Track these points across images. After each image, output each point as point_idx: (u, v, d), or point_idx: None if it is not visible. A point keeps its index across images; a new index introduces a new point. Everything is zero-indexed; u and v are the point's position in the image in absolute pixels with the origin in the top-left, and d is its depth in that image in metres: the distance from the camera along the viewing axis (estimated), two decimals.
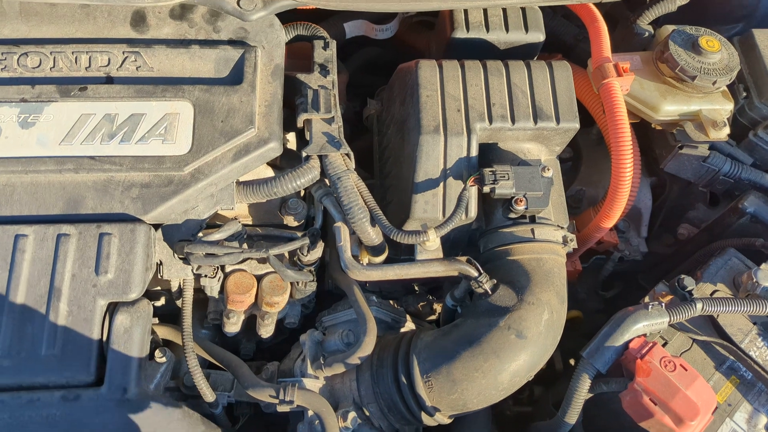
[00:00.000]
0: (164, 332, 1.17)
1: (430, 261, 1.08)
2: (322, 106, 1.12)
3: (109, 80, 1.10)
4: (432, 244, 1.08)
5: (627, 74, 1.24)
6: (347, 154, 1.11)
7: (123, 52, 1.11)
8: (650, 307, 1.08)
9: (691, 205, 1.52)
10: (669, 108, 1.32)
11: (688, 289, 1.12)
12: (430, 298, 1.33)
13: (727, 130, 1.30)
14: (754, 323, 1.17)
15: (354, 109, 1.68)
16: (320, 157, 1.10)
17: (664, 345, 1.12)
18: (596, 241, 1.43)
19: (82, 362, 0.92)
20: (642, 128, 1.46)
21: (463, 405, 1.01)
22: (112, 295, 0.96)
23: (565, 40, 1.67)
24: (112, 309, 0.96)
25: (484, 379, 0.99)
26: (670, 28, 1.38)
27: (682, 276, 1.13)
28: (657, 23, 1.50)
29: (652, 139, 1.47)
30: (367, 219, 1.09)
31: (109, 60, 1.11)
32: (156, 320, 1.19)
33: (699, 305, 1.09)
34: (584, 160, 1.68)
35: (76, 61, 1.10)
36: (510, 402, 1.50)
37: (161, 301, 1.26)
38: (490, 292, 1.05)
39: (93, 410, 0.90)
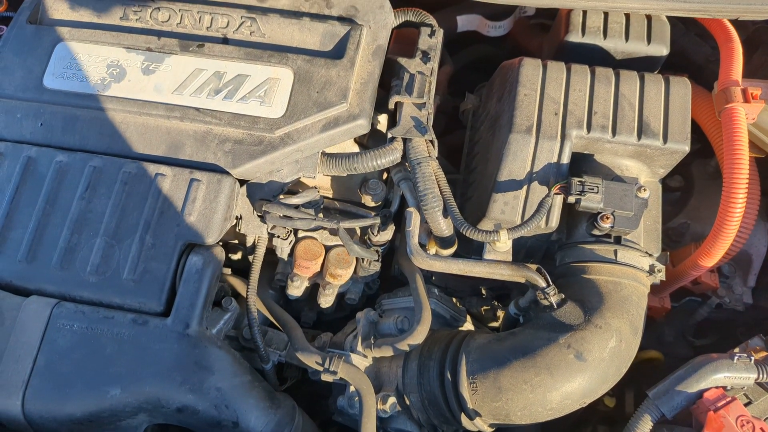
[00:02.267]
0: (236, 284, 1.23)
1: (497, 262, 1.04)
2: (415, 91, 1.12)
3: (224, 41, 1.18)
4: (502, 245, 1.04)
5: (756, 101, 1.12)
6: (431, 141, 1.10)
7: (241, 17, 1.18)
8: (736, 358, 0.96)
9: None
10: None
11: None
12: (495, 303, 1.29)
13: None
14: None
15: (453, 104, 1.66)
16: (404, 141, 1.11)
17: (747, 404, 1.00)
18: (691, 280, 1.30)
19: (155, 292, 1.00)
20: (765, 165, 1.31)
21: (505, 415, 0.97)
22: (192, 236, 1.03)
23: (695, 59, 1.54)
24: (189, 249, 1.03)
25: (531, 394, 0.94)
26: None
27: None
28: None
29: None
30: (440, 208, 1.07)
31: (228, 22, 1.18)
32: (229, 271, 1.27)
33: None
34: (695, 192, 1.54)
35: (200, 20, 1.19)
36: None
37: (238, 255, 1.33)
38: (555, 306, 1.00)
39: (156, 337, 0.97)
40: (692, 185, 1.54)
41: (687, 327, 1.50)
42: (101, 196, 1.05)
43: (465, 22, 1.62)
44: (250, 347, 1.15)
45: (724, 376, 0.96)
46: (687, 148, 1.09)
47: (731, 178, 1.07)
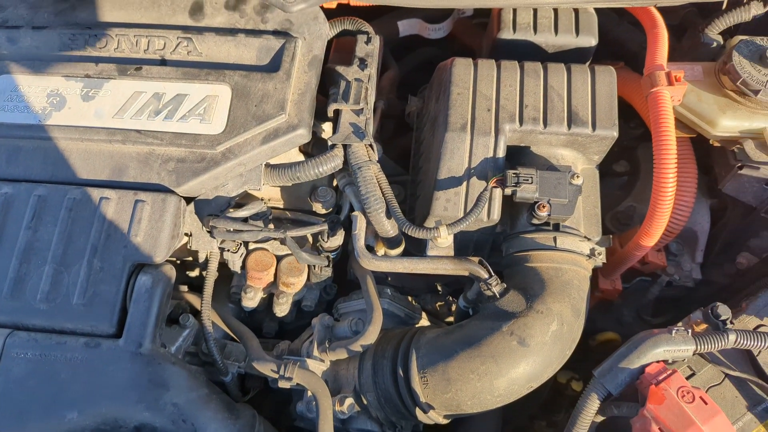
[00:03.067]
0: (194, 300, 1.25)
1: (440, 258, 1.07)
2: (351, 98, 1.15)
3: (162, 62, 1.20)
4: (443, 241, 1.07)
5: (679, 83, 1.16)
6: (371, 145, 1.13)
7: (177, 38, 1.20)
8: (674, 332, 1.00)
9: (754, 233, 1.39)
10: (728, 123, 1.22)
11: (721, 318, 1.03)
12: (450, 299, 1.32)
13: None
14: None
15: (401, 107, 1.70)
16: (345, 146, 1.13)
17: (690, 376, 1.04)
18: (638, 260, 1.35)
19: (105, 314, 1.01)
20: (703, 145, 1.36)
21: (456, 406, 0.99)
22: (139, 256, 1.04)
23: (630, 47, 1.59)
24: (138, 270, 1.05)
25: (479, 382, 0.97)
26: (740, 38, 1.28)
27: (717, 304, 1.04)
28: (730, 34, 1.39)
29: (713, 158, 1.37)
30: (383, 210, 1.10)
31: (164, 44, 1.20)
32: (186, 288, 1.28)
33: (732, 337, 1.00)
34: (641, 175, 1.59)
35: (136, 44, 1.21)
36: (543, 423, 1.46)
37: (195, 272, 1.34)
38: (498, 296, 1.03)
39: (109, 358, 0.98)
40: (638, 169, 1.59)
41: (642, 307, 1.54)
42: (47, 224, 1.06)
43: (406, 26, 1.66)
44: (210, 361, 1.17)
45: (663, 350, 0.99)
46: (615, 134, 1.13)
47: (660, 159, 1.12)
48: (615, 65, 1.48)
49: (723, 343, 1.00)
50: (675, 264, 1.45)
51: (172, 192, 1.10)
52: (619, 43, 1.60)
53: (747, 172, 1.24)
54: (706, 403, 0.94)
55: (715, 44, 1.36)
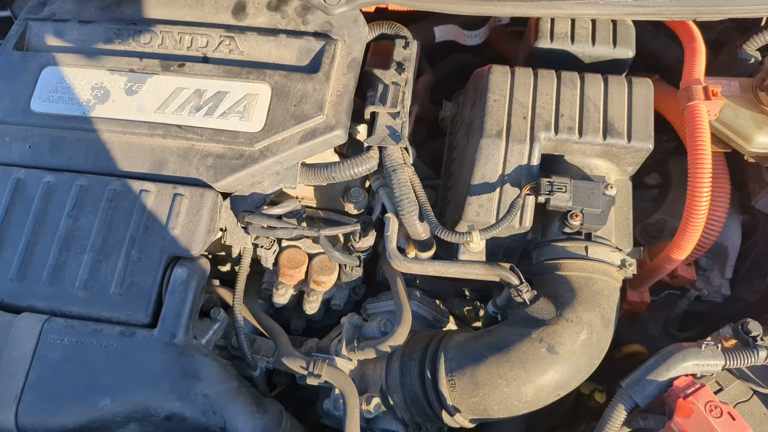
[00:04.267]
0: (225, 294, 1.27)
1: (471, 262, 1.08)
2: (389, 101, 1.17)
3: (204, 59, 1.22)
4: (475, 246, 1.08)
5: (716, 98, 1.16)
6: (406, 149, 1.14)
7: (220, 36, 1.23)
8: (704, 346, 1.00)
9: None
10: (764, 140, 1.22)
11: (752, 334, 1.02)
12: (478, 304, 1.32)
13: None
14: None
15: (435, 112, 1.71)
16: (380, 149, 1.15)
17: (718, 391, 1.03)
18: (667, 273, 1.34)
19: (141, 304, 1.03)
20: (737, 160, 1.35)
21: (483, 410, 1.00)
22: (176, 249, 1.06)
23: (666, 60, 1.59)
24: (174, 262, 1.07)
25: (506, 387, 0.97)
26: None
27: (748, 320, 1.03)
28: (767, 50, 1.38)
29: (747, 174, 1.35)
30: (416, 213, 1.11)
31: (207, 42, 1.23)
32: (218, 282, 1.30)
33: (763, 354, 0.99)
34: (673, 188, 1.58)
35: (180, 41, 1.23)
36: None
37: (227, 267, 1.36)
38: (528, 303, 1.03)
39: (143, 348, 1.00)
40: (669, 182, 1.58)
41: (669, 321, 1.53)
42: (88, 213, 1.09)
43: (442, 32, 1.67)
44: (239, 355, 1.18)
45: (693, 363, 0.99)
46: (650, 146, 1.13)
47: (695, 173, 1.11)
48: (650, 77, 1.49)
49: (753, 359, 0.99)
50: (704, 279, 1.44)
51: (210, 187, 1.12)
52: (656, 56, 1.60)
53: None
54: (734, 419, 0.93)
55: (752, 60, 1.36)
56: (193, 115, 1.15)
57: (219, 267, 1.36)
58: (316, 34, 1.24)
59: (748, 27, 1.44)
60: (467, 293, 1.36)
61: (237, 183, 1.14)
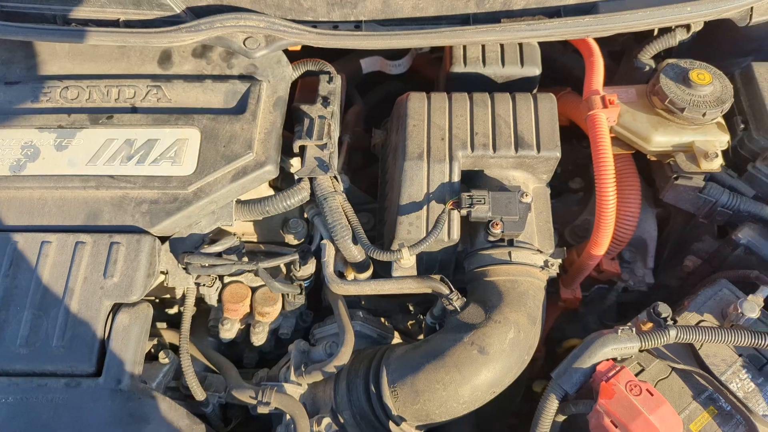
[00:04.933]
0: (173, 337, 1.29)
1: (404, 278, 1.14)
2: (315, 134, 1.23)
3: (133, 110, 1.26)
4: (406, 262, 1.15)
5: (613, 106, 1.28)
6: (335, 177, 1.21)
7: (147, 86, 1.27)
8: (620, 331, 1.09)
9: (696, 237, 1.50)
10: (660, 139, 1.34)
11: (662, 316, 1.12)
12: (421, 317, 1.38)
13: (719, 161, 1.30)
14: (740, 355, 1.14)
15: (368, 140, 1.79)
16: (311, 180, 1.21)
17: (640, 372, 1.12)
18: (593, 269, 1.44)
19: (85, 354, 1.05)
20: (646, 160, 1.48)
21: (426, 416, 1.05)
22: (116, 296, 1.09)
23: (575, 73, 1.72)
24: (116, 309, 1.09)
25: (444, 392, 1.03)
26: (667, 62, 1.41)
27: (658, 303, 1.13)
28: (661, 57, 1.52)
29: (654, 171, 1.48)
30: (349, 237, 1.17)
31: (135, 92, 1.27)
32: (165, 326, 1.32)
33: (673, 332, 1.09)
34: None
35: (107, 94, 1.27)
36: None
37: (174, 309, 1.38)
38: (459, 310, 1.10)
39: (90, 397, 1.02)
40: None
41: (604, 313, 1.63)
42: (24, 270, 1.10)
43: (368, 63, 1.76)
44: (190, 394, 1.20)
45: (612, 348, 1.07)
46: (558, 154, 1.23)
47: (599, 175, 1.22)
48: (562, 90, 1.61)
49: (665, 338, 1.09)
50: (629, 271, 1.55)
51: (147, 232, 1.15)
52: (566, 70, 1.73)
53: (682, 182, 1.35)
54: (652, 395, 1.02)
55: (647, 68, 1.49)
56: (124, 165, 1.19)
57: (166, 310, 1.38)
58: (241, 77, 1.30)
59: (644, 37, 1.59)
60: (411, 308, 1.42)
61: (174, 226, 1.17)
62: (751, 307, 1.16)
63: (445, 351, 1.06)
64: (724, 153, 1.35)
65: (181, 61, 1.33)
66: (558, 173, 1.71)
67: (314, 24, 1.29)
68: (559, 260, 1.25)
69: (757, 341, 1.10)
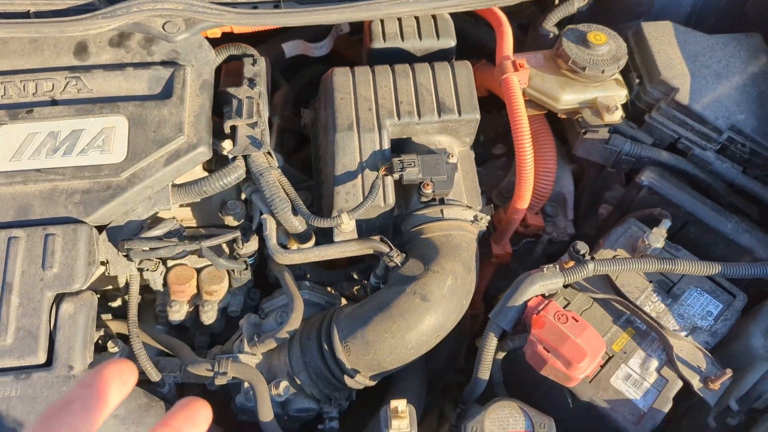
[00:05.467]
0: (121, 327, 1.28)
1: (346, 242, 1.20)
2: (244, 113, 1.26)
3: (53, 103, 1.24)
4: (347, 226, 1.20)
5: (523, 69, 1.39)
6: (269, 153, 1.25)
7: (65, 78, 1.25)
8: (545, 269, 1.20)
9: (607, 186, 1.65)
10: (568, 98, 1.46)
11: (581, 253, 1.24)
12: (365, 282, 1.45)
13: (620, 113, 1.44)
14: (650, 281, 1.29)
15: (298, 122, 1.82)
16: (245, 158, 1.24)
17: (566, 305, 1.23)
18: (520, 224, 1.55)
19: (32, 347, 1.04)
20: (559, 120, 1.61)
21: (378, 365, 1.12)
22: (58, 287, 1.08)
23: (489, 46, 1.82)
24: (59, 299, 1.08)
25: (393, 339, 1.10)
26: (568, 27, 1.54)
27: (576, 242, 1.25)
28: (563, 25, 1.65)
29: (566, 129, 1.61)
30: (289, 209, 1.22)
31: (53, 85, 1.25)
32: (110, 316, 1.31)
33: (591, 266, 1.21)
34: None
35: (24, 89, 1.24)
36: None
37: (118, 302, 1.37)
38: (400, 265, 1.17)
39: (43, 386, 1.01)
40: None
41: (533, 266, 1.75)
42: None
43: (290, 48, 1.79)
44: (146, 379, 1.21)
45: (539, 285, 1.18)
46: (478, 116, 1.33)
47: (516, 133, 1.32)
48: (478, 62, 1.71)
49: (584, 272, 1.21)
50: (552, 224, 1.68)
51: (82, 222, 1.14)
52: (480, 44, 1.84)
53: (590, 136, 1.49)
54: (577, 321, 1.13)
55: (551, 35, 1.62)
56: (51, 157, 1.17)
57: (109, 303, 1.37)
58: (164, 63, 1.30)
59: (548, 7, 1.72)
60: (355, 276, 1.48)
61: (110, 214, 1.17)
62: (655, 238, 1.30)
63: (391, 303, 1.13)
64: (624, 106, 1.50)
65: (98, 52, 1.31)
66: (481, 141, 1.84)
67: (233, 4, 1.31)
68: (488, 216, 1.35)
69: (662, 266, 1.25)
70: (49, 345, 1.05)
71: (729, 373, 1.14)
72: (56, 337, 1.05)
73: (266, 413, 1.08)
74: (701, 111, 1.41)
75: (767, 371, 1.21)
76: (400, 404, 1.00)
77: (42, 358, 1.04)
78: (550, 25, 1.62)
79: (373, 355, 1.11)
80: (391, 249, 1.19)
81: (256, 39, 1.59)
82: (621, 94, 1.47)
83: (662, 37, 1.51)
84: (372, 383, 1.17)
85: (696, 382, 1.18)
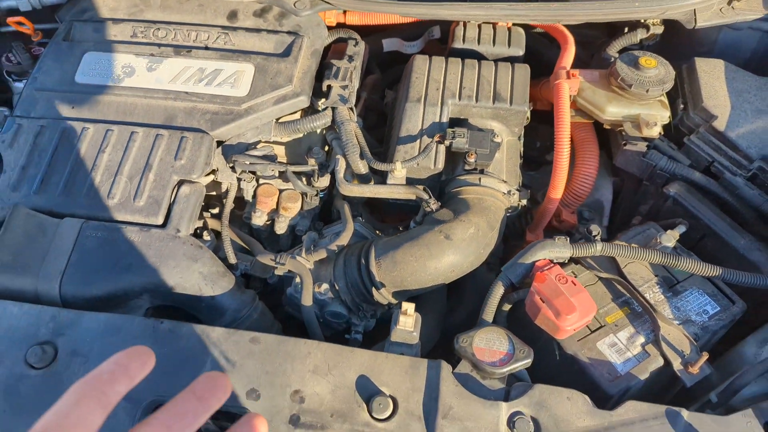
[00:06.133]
0: (214, 225, 1.65)
1: (395, 185, 1.50)
2: (339, 77, 1.61)
3: (206, 48, 1.66)
4: (399, 173, 1.50)
5: (574, 78, 1.63)
6: (351, 109, 1.58)
7: (218, 32, 1.68)
8: (556, 239, 1.41)
9: (643, 200, 1.81)
10: (613, 110, 1.67)
11: (593, 234, 1.44)
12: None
13: (657, 129, 1.63)
14: (656, 275, 1.45)
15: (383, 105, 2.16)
16: (333, 110, 1.58)
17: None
18: (554, 218, 1.76)
19: (156, 211, 1.42)
20: (604, 132, 1.81)
21: (400, 282, 1.39)
22: (182, 174, 1.46)
23: (550, 58, 2.06)
24: (181, 183, 1.47)
25: (416, 263, 1.37)
26: (626, 52, 1.75)
27: (591, 225, 1.46)
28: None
29: (611, 141, 1.81)
30: (358, 153, 1.54)
31: (208, 36, 1.68)
32: (209, 216, 1.69)
33: (599, 246, 1.40)
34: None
35: (188, 36, 1.68)
36: None
37: (216, 210, 1.75)
38: (434, 211, 1.45)
39: (156, 239, 1.38)
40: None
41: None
42: (118, 150, 1.49)
43: (388, 43, 2.14)
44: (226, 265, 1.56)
45: (549, 251, 1.39)
46: (526, 108, 1.58)
47: (558, 128, 1.55)
48: (546, 78, 1.96)
49: (592, 250, 1.40)
50: (585, 225, 1.86)
51: (208, 134, 1.53)
52: (552, 63, 2.07)
53: (629, 147, 1.68)
54: (575, 285, 1.33)
55: (612, 59, 1.83)
56: (196, 85, 1.58)
57: (209, 210, 1.75)
58: (289, 32, 1.70)
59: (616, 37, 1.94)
60: (401, 228, 1.76)
61: (227, 133, 1.55)
62: (668, 238, 1.47)
63: (420, 236, 1.40)
64: (667, 129, 1.68)
65: (244, 18, 1.73)
66: (538, 146, 2.07)
67: None
68: (519, 193, 1.57)
69: (665, 259, 1.41)
70: (167, 213, 1.43)
71: (705, 355, 1.28)
72: (173, 209, 1.43)
73: (308, 300, 1.39)
74: (735, 139, 1.57)
75: (748, 367, 1.32)
76: (409, 307, 1.26)
77: (160, 220, 1.42)
78: (613, 51, 1.85)
79: (398, 273, 1.38)
80: (430, 197, 1.46)
81: (362, 33, 1.96)
82: (663, 115, 1.66)
83: (712, 72, 1.68)
84: (393, 300, 1.43)
85: (677, 364, 1.32)
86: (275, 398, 1.17)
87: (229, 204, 1.56)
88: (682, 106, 1.69)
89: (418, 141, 1.57)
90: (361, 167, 1.55)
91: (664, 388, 1.41)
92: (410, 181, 1.56)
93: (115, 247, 1.38)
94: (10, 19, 1.80)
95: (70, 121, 1.55)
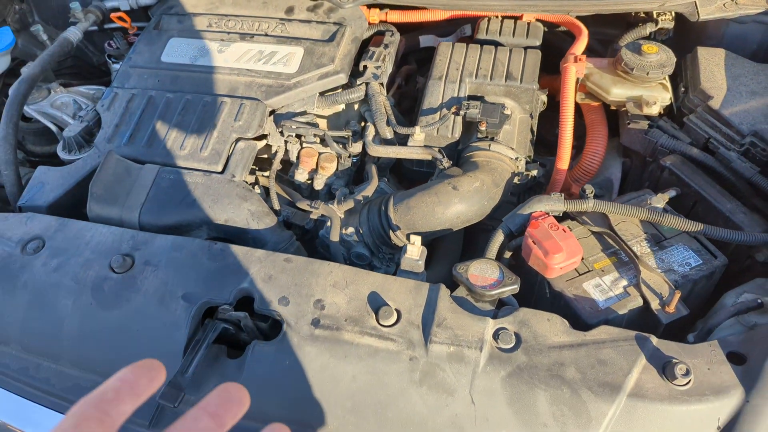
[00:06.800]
0: (263, 181, 1.96)
1: (414, 147, 1.75)
2: (374, 58, 1.90)
3: (266, 35, 2.00)
4: (418, 137, 1.75)
5: (581, 62, 1.83)
6: (382, 84, 1.86)
7: (276, 23, 2.01)
8: (552, 194, 1.61)
9: (648, 178, 1.96)
10: (617, 91, 1.86)
11: (586, 193, 1.63)
12: None
13: (657, 108, 1.80)
14: (645, 233, 1.62)
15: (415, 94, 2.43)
16: (366, 85, 1.86)
17: None
18: (563, 191, 1.95)
19: (218, 160, 1.74)
20: (615, 117, 1.99)
21: (413, 225, 1.63)
22: (239, 132, 1.78)
23: (563, 48, 2.26)
24: (238, 140, 1.78)
25: (426, 208, 1.61)
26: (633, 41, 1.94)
27: (585, 186, 1.64)
28: None
29: (618, 121, 1.98)
30: (385, 121, 1.80)
31: (268, 26, 2.01)
32: (261, 174, 2.00)
33: (591, 203, 1.59)
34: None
35: (251, 25, 2.02)
36: None
37: (267, 173, 2.07)
38: (446, 167, 1.68)
39: (215, 182, 1.69)
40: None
41: None
42: (191, 113, 1.83)
43: (425, 39, 2.43)
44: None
45: (545, 204, 1.59)
46: (535, 87, 1.80)
47: (562, 104, 1.76)
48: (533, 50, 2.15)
49: (584, 206, 1.59)
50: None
51: (262, 102, 1.85)
52: (554, 47, 2.28)
53: (633, 126, 1.86)
54: (565, 232, 1.53)
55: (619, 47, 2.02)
56: (255, 64, 1.92)
57: (258, 172, 2.06)
58: (335, 23, 2.01)
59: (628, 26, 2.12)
60: None
61: (278, 102, 1.87)
62: (658, 200, 1.64)
63: (431, 186, 1.64)
64: (668, 108, 1.85)
65: (299, 12, 2.06)
66: (557, 133, 2.26)
67: None
68: (525, 160, 1.78)
69: (652, 216, 1.58)
70: (225, 163, 1.75)
71: (678, 293, 1.43)
72: (230, 159, 1.75)
73: (335, 236, 1.65)
74: (728, 116, 1.72)
75: (722, 309, 1.45)
76: (417, 240, 1.49)
77: (220, 168, 1.74)
78: (623, 42, 2.03)
79: (411, 217, 1.62)
80: (443, 156, 1.70)
81: (402, 29, 2.25)
82: (664, 96, 1.83)
83: (712, 59, 1.84)
84: (407, 242, 1.66)
85: (655, 305, 1.48)
86: (301, 305, 1.43)
87: (277, 163, 1.86)
88: (683, 89, 1.85)
89: (438, 113, 1.82)
90: (387, 133, 1.81)
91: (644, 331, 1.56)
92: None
93: (183, 187, 1.70)
94: (113, 15, 2.22)
95: (154, 90, 1.91)
